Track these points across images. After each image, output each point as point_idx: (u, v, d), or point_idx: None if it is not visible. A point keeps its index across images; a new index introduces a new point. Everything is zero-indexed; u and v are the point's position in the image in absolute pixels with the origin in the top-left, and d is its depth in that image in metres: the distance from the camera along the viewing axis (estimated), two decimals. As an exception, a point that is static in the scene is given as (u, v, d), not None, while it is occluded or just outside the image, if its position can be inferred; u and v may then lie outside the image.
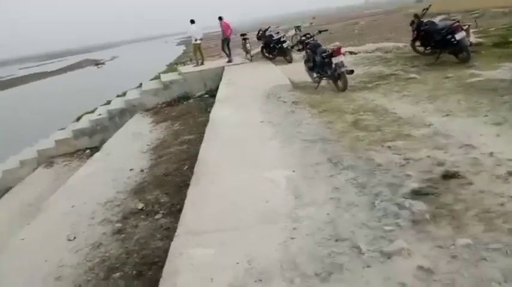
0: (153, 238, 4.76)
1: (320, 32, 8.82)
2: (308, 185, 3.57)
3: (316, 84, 8.24)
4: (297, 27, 15.87)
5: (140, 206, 5.68)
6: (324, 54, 7.67)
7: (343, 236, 2.72)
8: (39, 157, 11.35)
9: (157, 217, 5.30)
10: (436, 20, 9.40)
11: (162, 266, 2.96)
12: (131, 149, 8.57)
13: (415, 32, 9.52)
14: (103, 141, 10.59)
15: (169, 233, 4.74)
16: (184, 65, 18.53)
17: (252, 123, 5.92)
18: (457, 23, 8.20)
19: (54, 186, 8.68)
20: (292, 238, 2.79)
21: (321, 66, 7.92)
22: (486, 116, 4.83)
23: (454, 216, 2.77)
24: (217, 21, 13.38)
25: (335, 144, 4.51)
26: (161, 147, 8.23)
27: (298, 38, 14.80)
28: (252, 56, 13.52)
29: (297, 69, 10.28)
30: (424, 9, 9.54)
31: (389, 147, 4.13)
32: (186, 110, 10.99)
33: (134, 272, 4.10)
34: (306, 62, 8.78)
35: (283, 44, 12.19)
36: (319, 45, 8.24)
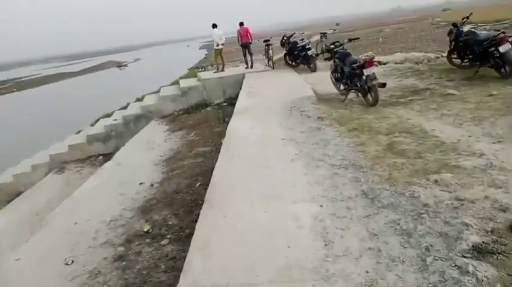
0: (157, 269, 4.23)
1: (350, 40, 8.15)
2: (339, 228, 2.95)
3: (344, 97, 7.59)
4: (323, 34, 15.17)
5: (146, 228, 5.20)
6: (354, 65, 7.04)
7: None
8: (51, 162, 11.15)
9: (163, 242, 4.80)
10: (478, 30, 8.56)
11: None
12: (143, 159, 8.15)
13: (453, 43, 8.77)
14: (117, 148, 10.29)
15: (175, 263, 4.25)
16: (205, 69, 18.24)
17: (273, 140, 5.34)
18: (503, 35, 7.40)
19: (63, 193, 8.39)
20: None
21: (350, 77, 7.28)
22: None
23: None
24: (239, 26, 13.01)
25: (369, 172, 3.87)
26: (174, 159, 7.78)
27: (324, 45, 14.20)
28: (274, 63, 12.98)
29: (321, 78, 9.69)
30: (464, 18, 8.76)
31: (435, 181, 3.46)
32: (203, 118, 10.57)
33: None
34: (333, 72, 8.16)
35: (308, 52, 11.61)
36: (349, 55, 7.59)
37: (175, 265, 4.18)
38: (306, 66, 11.94)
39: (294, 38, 12.86)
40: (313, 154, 4.63)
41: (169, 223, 5.23)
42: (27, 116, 24.06)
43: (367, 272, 2.43)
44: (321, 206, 3.33)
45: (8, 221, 8.08)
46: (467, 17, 8.82)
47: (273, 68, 12.84)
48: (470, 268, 2.29)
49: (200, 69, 20.11)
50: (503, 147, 4.25)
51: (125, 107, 14.26)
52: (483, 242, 2.53)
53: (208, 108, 11.62)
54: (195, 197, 5.69)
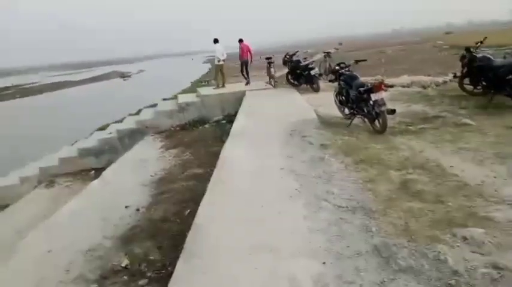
0: (129, 320, 3.64)
1: (357, 62, 7.64)
2: (347, 299, 2.37)
3: (349, 121, 7.06)
4: (327, 54, 14.72)
5: (125, 263, 4.63)
6: (361, 89, 6.53)
7: None
8: (40, 175, 10.57)
9: (141, 282, 4.22)
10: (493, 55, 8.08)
11: None
12: (133, 179, 7.63)
13: (465, 68, 8.29)
14: (110, 163, 9.78)
15: (150, 313, 3.67)
16: (208, 83, 17.88)
17: (270, 171, 4.77)
18: (522, 61, 6.94)
19: (49, 210, 7.80)
20: None
21: (356, 101, 6.76)
22: None
23: None
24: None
25: (381, 219, 3.29)
26: (165, 181, 7.24)
27: (327, 65, 13.76)
28: (275, 81, 12.53)
29: (325, 100, 9.17)
30: (478, 43, 8.29)
31: (464, 238, 2.85)
32: (200, 136, 10.09)
33: None
34: (338, 94, 7.65)
35: (311, 71, 11.14)
36: (355, 78, 7.06)
37: (151, 316, 3.62)
38: (308, 86, 11.48)
39: (297, 56, 12.46)
40: (315, 191, 4.05)
41: (151, 257, 4.66)
42: (28, 124, 23.59)
43: None
44: (324, 263, 2.74)
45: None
46: (482, 42, 8.37)
47: (275, 86, 12.38)
48: None
49: (203, 83, 19.81)
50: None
51: (120, 121, 13.80)
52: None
53: (206, 125, 11.16)
54: (182, 228, 5.11)
